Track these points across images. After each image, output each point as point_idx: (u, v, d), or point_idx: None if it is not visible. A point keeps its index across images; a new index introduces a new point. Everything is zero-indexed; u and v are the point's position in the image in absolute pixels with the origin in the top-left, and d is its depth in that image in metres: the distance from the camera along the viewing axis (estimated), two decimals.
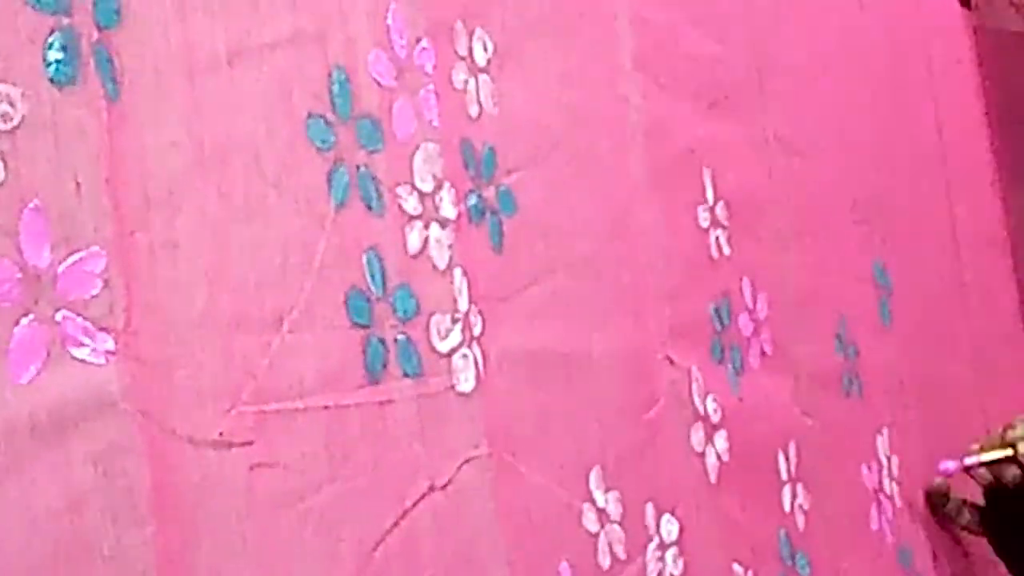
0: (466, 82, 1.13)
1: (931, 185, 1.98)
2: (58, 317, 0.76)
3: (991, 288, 2.12)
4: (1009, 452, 1.71)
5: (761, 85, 1.56)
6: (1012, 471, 1.69)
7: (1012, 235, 2.18)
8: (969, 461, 1.75)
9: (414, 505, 0.99)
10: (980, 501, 1.78)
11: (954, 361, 1.97)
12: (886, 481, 1.72)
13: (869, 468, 1.68)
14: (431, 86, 1.08)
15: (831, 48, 1.77)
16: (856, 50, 1.83)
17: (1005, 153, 2.18)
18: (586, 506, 1.17)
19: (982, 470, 1.73)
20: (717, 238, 1.44)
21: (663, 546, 1.25)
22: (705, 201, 1.43)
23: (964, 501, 1.81)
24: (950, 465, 1.76)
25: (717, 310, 1.42)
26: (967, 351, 2.00)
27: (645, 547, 1.23)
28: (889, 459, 1.73)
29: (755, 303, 1.49)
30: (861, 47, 1.84)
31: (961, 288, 2.03)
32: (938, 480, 1.79)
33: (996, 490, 1.74)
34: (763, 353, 1.49)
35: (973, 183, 2.10)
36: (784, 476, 1.47)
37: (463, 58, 1.13)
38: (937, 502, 1.80)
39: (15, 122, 0.75)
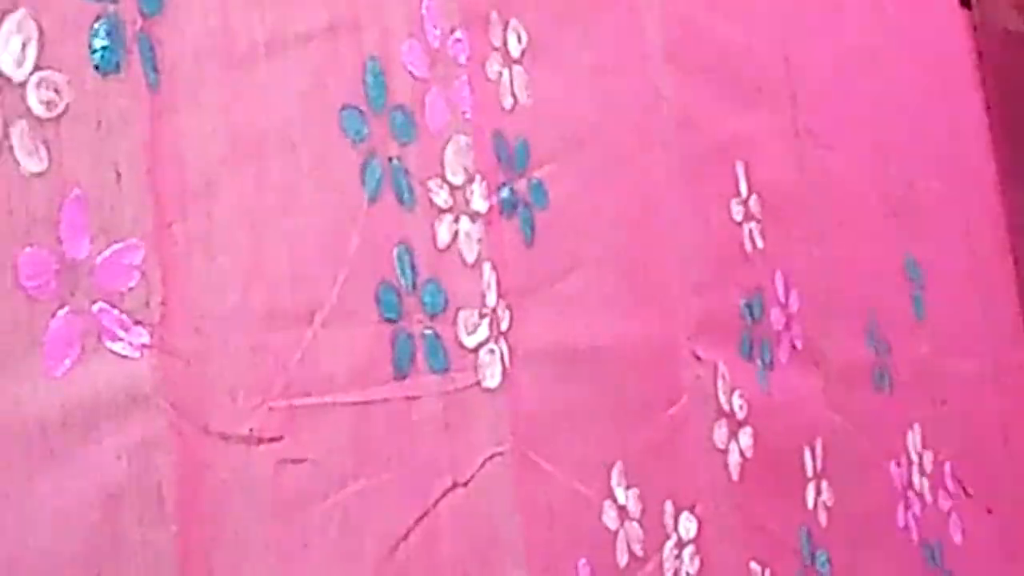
0: (500, 73, 1.13)
1: (949, 182, 1.97)
2: (95, 309, 0.77)
3: (996, 285, 2.11)
4: None
5: (790, 77, 1.56)
6: None
7: (1012, 233, 2.17)
8: None
9: (436, 502, 1.00)
10: None
11: (978, 358, 1.96)
12: (916, 477, 1.71)
13: (898, 464, 1.68)
14: (464, 77, 1.08)
15: (857, 43, 1.76)
16: (878, 47, 1.82)
17: (1005, 152, 2.17)
18: (607, 503, 1.17)
19: None
20: (751, 231, 1.44)
21: (680, 544, 1.25)
22: (739, 194, 1.44)
23: None
24: None
25: (749, 304, 1.42)
26: (986, 348, 1.99)
27: (662, 545, 1.23)
28: (920, 455, 1.73)
29: (787, 297, 1.49)
30: (882, 44, 1.83)
31: (977, 285, 2.02)
32: None
33: None
34: (793, 348, 1.49)
35: (976, 181, 2.09)
36: (809, 473, 1.47)
37: (497, 49, 1.14)
38: None
39: (60, 109, 0.76)
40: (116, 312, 0.78)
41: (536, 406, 1.11)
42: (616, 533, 1.18)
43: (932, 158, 1.92)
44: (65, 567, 0.73)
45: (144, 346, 0.79)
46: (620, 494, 1.19)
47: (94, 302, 0.77)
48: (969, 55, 2.16)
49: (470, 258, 1.06)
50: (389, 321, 0.98)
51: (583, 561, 1.13)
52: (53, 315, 0.75)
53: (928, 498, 1.73)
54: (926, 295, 1.81)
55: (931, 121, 1.96)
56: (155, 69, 0.83)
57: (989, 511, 1.88)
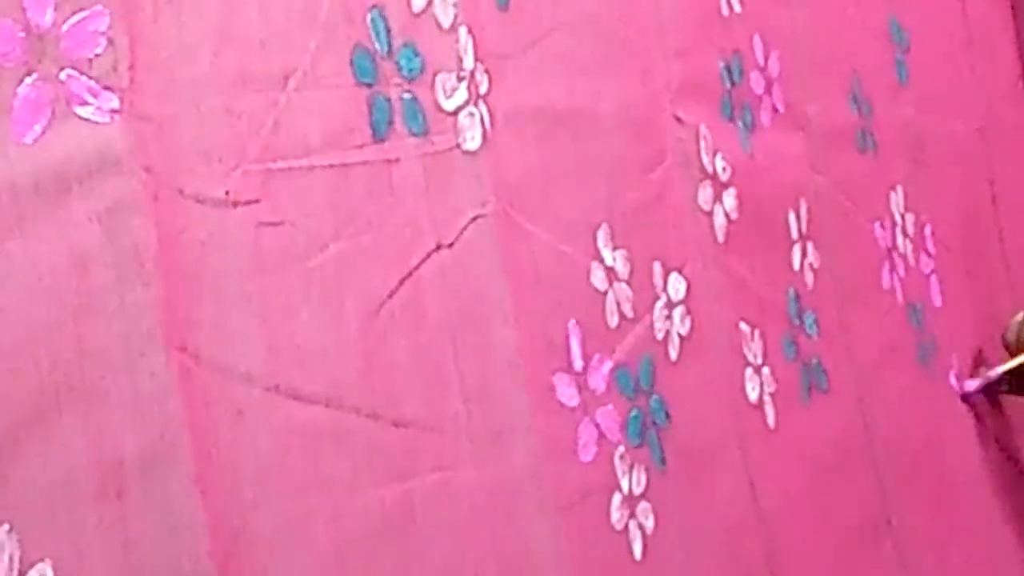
0: None
1: None
2: (62, 76, 0.76)
3: (994, 46, 2.09)
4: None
5: None
6: None
7: None
8: (992, 374, 1.78)
9: (420, 263, 1.00)
10: None
11: (963, 120, 1.95)
12: (899, 239, 1.72)
13: (882, 225, 1.68)
14: None
15: None
16: None
17: None
18: (594, 264, 1.17)
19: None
20: None
21: (670, 304, 1.26)
22: None
23: None
24: (971, 385, 1.79)
25: (727, 67, 1.40)
26: (975, 111, 1.99)
27: (652, 305, 1.24)
28: (903, 216, 1.73)
29: (766, 61, 1.48)
30: None
31: (968, 47, 2.01)
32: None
33: None
34: (775, 111, 1.48)
35: None
36: (795, 234, 1.48)
37: None
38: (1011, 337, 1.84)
39: None
40: (84, 78, 0.77)
41: (518, 168, 1.10)
42: (605, 294, 1.18)
43: None
44: (42, 330, 0.73)
45: (114, 111, 0.78)
46: (607, 255, 1.19)
47: (61, 69, 0.76)
48: None
49: (445, 22, 1.04)
50: (365, 85, 0.96)
51: (573, 321, 1.13)
52: (20, 82, 0.74)
53: (911, 260, 1.74)
54: (909, 58, 1.79)
55: None
56: None
57: (966, 270, 1.89)
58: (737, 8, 1.43)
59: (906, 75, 1.78)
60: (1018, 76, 2.15)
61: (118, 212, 0.77)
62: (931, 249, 1.80)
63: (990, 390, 1.83)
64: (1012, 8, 2.14)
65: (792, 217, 1.48)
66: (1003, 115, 2.06)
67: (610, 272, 1.19)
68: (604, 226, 1.19)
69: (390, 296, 0.97)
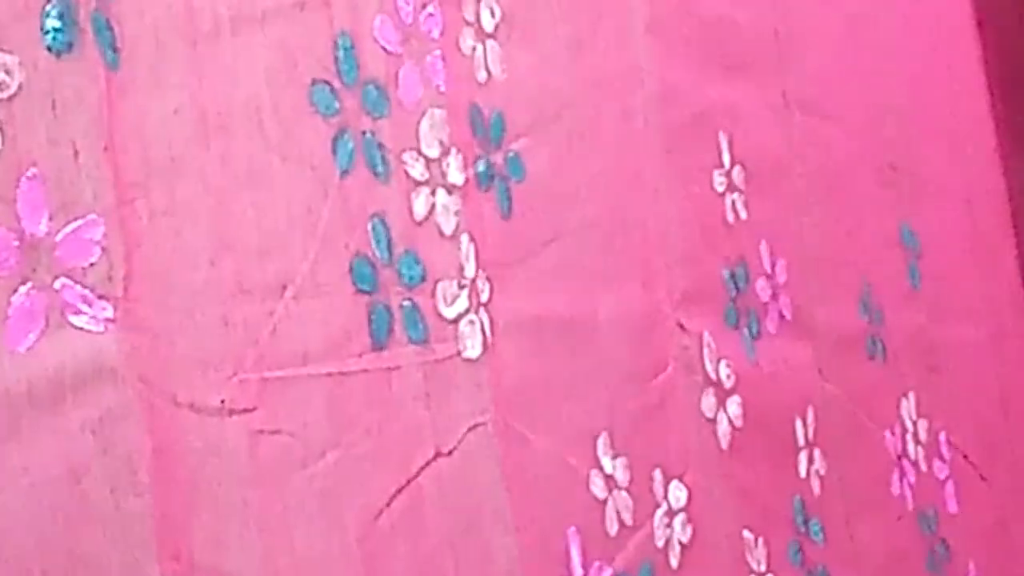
0: (474, 48, 1.12)
1: (948, 149, 1.96)
2: (56, 285, 0.76)
3: (997, 253, 2.10)
4: None
5: (779, 48, 1.55)
6: None
7: (1013, 201, 2.15)
8: None
9: (419, 472, 0.99)
10: None
11: (975, 326, 1.95)
12: (910, 445, 1.70)
13: (892, 432, 1.67)
14: (438, 52, 1.08)
15: (852, 11, 1.75)
16: (875, 14, 1.81)
17: (1006, 119, 2.16)
18: (593, 472, 1.17)
19: None
20: (733, 202, 1.43)
21: (671, 512, 1.25)
22: (721, 165, 1.43)
23: None
24: None
25: (732, 275, 1.41)
26: (985, 317, 1.98)
27: (653, 513, 1.23)
28: (915, 423, 1.72)
29: (773, 268, 1.49)
30: (879, 11, 1.82)
31: (976, 253, 2.01)
32: None
33: None
34: (782, 318, 1.48)
35: (976, 149, 2.08)
36: (801, 441, 1.47)
37: (470, 24, 1.13)
38: None
39: (12, 90, 0.76)
40: (78, 287, 0.77)
41: (519, 376, 1.10)
42: (605, 502, 1.17)
43: (930, 126, 1.90)
44: (37, 540, 0.73)
45: (108, 320, 0.78)
46: (607, 463, 1.18)
47: (56, 278, 0.76)
48: (968, 20, 2.15)
49: (448, 230, 1.05)
50: (364, 292, 0.97)
51: (573, 529, 1.12)
52: (15, 291, 0.74)
53: (923, 467, 1.73)
54: (922, 264, 1.80)
55: (930, 89, 1.95)
56: (114, 48, 0.82)
57: (983, 478, 1.87)
58: (743, 215, 1.44)
59: (919, 281, 1.78)
60: (1020, 283, 2.15)
61: (112, 422, 0.77)
62: (946, 455, 1.79)
63: None
64: (1012, 216, 2.15)
65: (799, 424, 1.47)
66: (1008, 323, 2.06)
67: (609, 480, 1.18)
68: (604, 434, 1.18)
69: (388, 504, 0.96)
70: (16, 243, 0.74)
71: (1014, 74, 2.17)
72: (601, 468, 1.17)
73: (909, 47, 1.91)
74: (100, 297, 0.78)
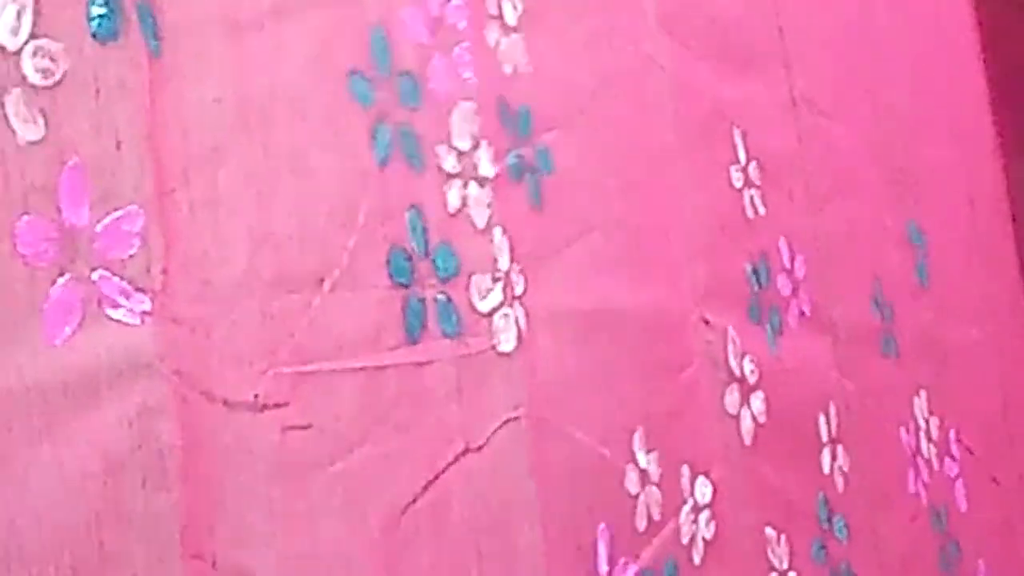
0: (498, 41, 1.12)
1: (949, 149, 1.96)
2: (95, 277, 0.75)
3: (998, 253, 2.10)
4: None
5: (784, 46, 1.54)
6: None
7: (1013, 201, 2.15)
8: None
9: (447, 467, 0.98)
10: None
11: (978, 326, 1.95)
12: (924, 443, 1.70)
13: (907, 430, 1.67)
14: (466, 43, 1.07)
15: (852, 13, 1.75)
16: (877, 14, 1.80)
17: (1006, 119, 2.16)
18: (629, 467, 1.16)
19: None
20: (752, 198, 1.43)
21: (697, 508, 1.24)
22: (737, 161, 1.42)
23: None
24: None
25: (755, 270, 1.40)
26: (987, 316, 1.98)
27: (679, 509, 1.22)
28: (927, 421, 1.72)
29: (792, 263, 1.48)
30: (881, 11, 1.82)
31: (979, 252, 2.01)
32: None
33: None
34: (802, 314, 1.48)
35: (977, 149, 2.08)
36: (824, 438, 1.46)
37: (495, 17, 1.12)
38: None
39: (56, 78, 0.75)
40: (116, 279, 0.76)
41: (553, 371, 1.09)
42: (637, 497, 1.16)
43: (931, 126, 1.90)
44: (67, 534, 0.72)
45: (145, 313, 0.77)
46: (642, 458, 1.17)
47: (94, 269, 0.75)
48: (970, 23, 2.15)
49: (480, 223, 1.04)
50: (400, 286, 0.96)
51: (603, 526, 1.11)
52: (53, 282, 0.73)
53: (935, 464, 1.72)
54: (929, 261, 1.79)
55: (930, 89, 1.95)
56: (156, 36, 0.81)
57: (995, 480, 1.87)
58: (761, 210, 1.44)
59: (927, 278, 1.78)
60: (1020, 283, 2.15)
61: (147, 416, 0.77)
62: (956, 453, 1.78)
63: None
64: (1012, 216, 2.15)
65: (822, 420, 1.46)
66: (1008, 322, 2.06)
67: (643, 475, 1.17)
68: (640, 428, 1.18)
69: (414, 500, 0.95)
70: (56, 233, 0.74)
71: (1014, 74, 2.17)
72: (637, 463, 1.17)
73: (909, 47, 1.91)
74: (138, 290, 0.77)
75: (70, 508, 0.73)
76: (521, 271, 1.08)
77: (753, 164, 1.44)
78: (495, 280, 1.05)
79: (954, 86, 2.03)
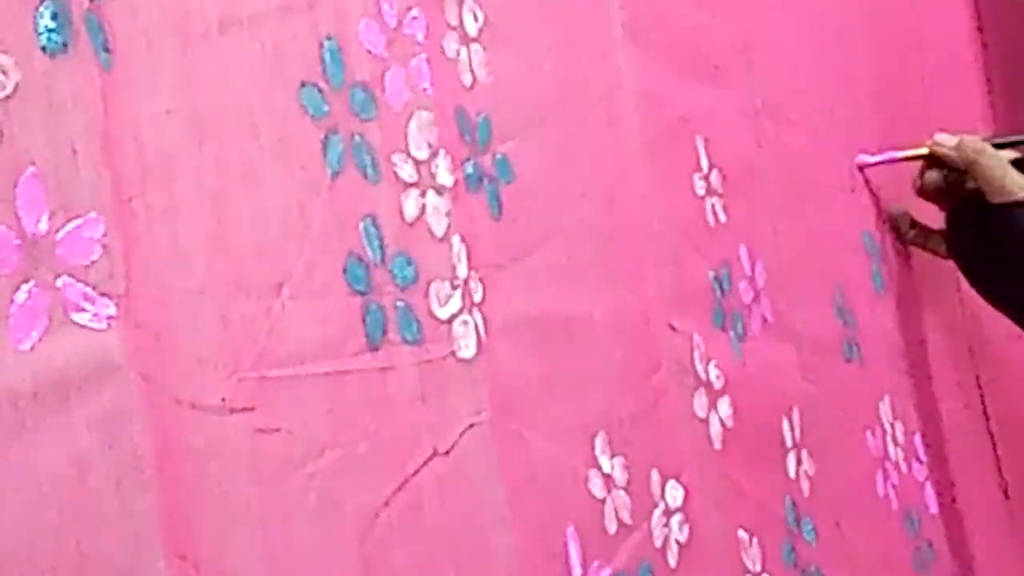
0: (458, 51, 1.12)
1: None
2: (59, 283, 0.75)
3: None
4: (925, 151, 1.69)
5: (748, 56, 1.56)
6: (935, 175, 1.68)
7: None
8: (886, 156, 1.75)
9: (417, 471, 0.99)
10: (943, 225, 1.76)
11: (946, 329, 1.96)
12: (891, 447, 1.71)
13: (873, 434, 1.68)
14: (423, 55, 1.07)
15: (817, 21, 1.76)
16: (843, 23, 1.82)
17: (1006, 119, 2.17)
18: (592, 472, 1.16)
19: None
20: (713, 205, 1.44)
21: (668, 512, 1.25)
22: (700, 169, 1.43)
23: (928, 227, 1.79)
24: (868, 158, 1.76)
25: (717, 277, 1.41)
26: (959, 320, 1.99)
27: (651, 513, 1.22)
28: (893, 425, 1.73)
29: (753, 270, 1.49)
30: (848, 21, 1.83)
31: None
32: (901, 207, 1.79)
33: (957, 210, 1.71)
34: (764, 320, 1.49)
35: None
36: (789, 442, 1.47)
37: (454, 28, 1.12)
38: (902, 228, 1.80)
39: (8, 90, 0.75)
40: (80, 285, 0.77)
41: (514, 376, 1.10)
42: (603, 501, 1.17)
43: (931, 125, 1.90)
44: (42, 536, 0.72)
45: (111, 318, 0.78)
46: (605, 463, 1.18)
47: (58, 276, 0.75)
48: (969, 22, 2.16)
49: (439, 231, 1.05)
50: (359, 293, 0.97)
51: (571, 528, 1.12)
52: (17, 289, 0.73)
53: (903, 468, 1.74)
54: (884, 269, 1.80)
55: (930, 89, 1.96)
56: (107, 49, 0.81)
57: (959, 484, 1.88)
58: (722, 218, 1.45)
59: (882, 285, 1.79)
60: None
61: (116, 419, 0.77)
62: (923, 457, 1.79)
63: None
64: None
65: (786, 425, 1.47)
66: (990, 326, 2.07)
67: (608, 479, 1.18)
68: (602, 433, 1.18)
69: (387, 503, 0.96)
70: (17, 242, 0.74)
71: (1014, 74, 2.18)
72: (599, 467, 1.17)
73: (909, 47, 1.93)
74: (102, 295, 0.77)
75: (44, 511, 0.73)
76: (480, 278, 1.08)
77: (715, 172, 1.45)
78: (454, 287, 1.05)
79: (953, 86, 2.04)
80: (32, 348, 0.73)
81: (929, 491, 1.79)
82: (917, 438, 1.79)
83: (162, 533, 0.78)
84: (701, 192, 1.43)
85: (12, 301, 0.73)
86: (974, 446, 1.96)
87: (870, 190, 1.79)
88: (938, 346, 1.92)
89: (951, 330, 1.97)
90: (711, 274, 1.41)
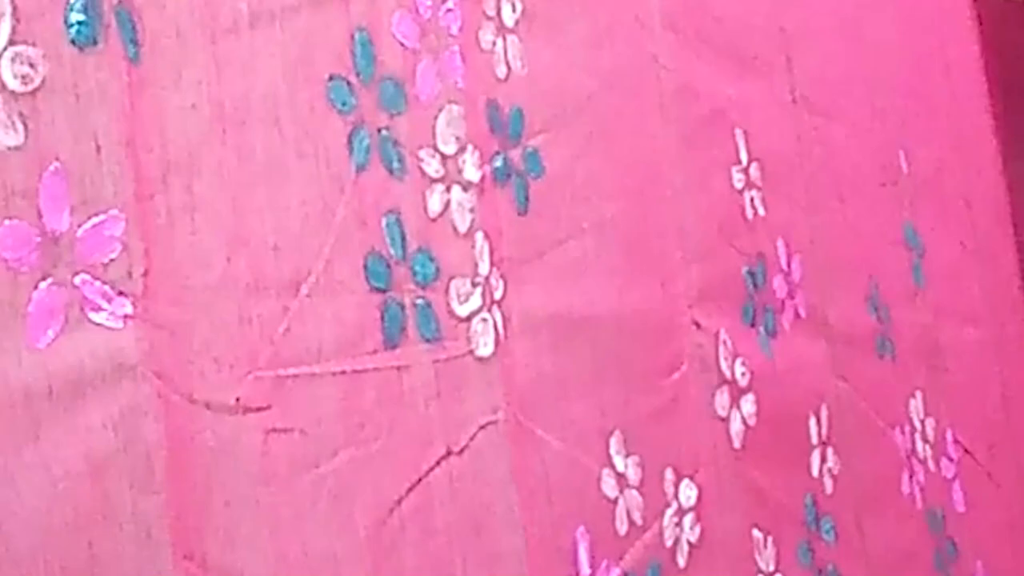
0: (494, 43, 1.12)
1: (948, 149, 1.96)
2: (77, 281, 0.76)
3: (997, 255, 2.09)
4: None
5: (786, 47, 1.55)
6: None
7: (1013, 204, 2.15)
8: None
9: (430, 470, 0.99)
10: None
11: (976, 326, 1.95)
12: (919, 444, 1.71)
13: (902, 431, 1.67)
14: (456, 47, 1.07)
15: (852, 15, 1.75)
16: (874, 15, 1.80)
17: (1007, 125, 2.15)
18: (605, 471, 1.17)
19: None
20: (752, 199, 1.43)
21: (680, 512, 1.25)
22: (739, 162, 1.43)
23: None
24: None
25: (751, 272, 1.41)
26: (986, 318, 1.98)
27: (662, 513, 1.23)
28: (923, 422, 1.72)
29: (789, 265, 1.49)
30: (879, 11, 1.82)
31: (976, 254, 2.01)
32: None
33: None
34: (797, 315, 1.48)
35: (976, 151, 2.08)
36: (814, 440, 1.47)
37: (491, 18, 1.12)
38: None
39: (36, 84, 0.75)
40: (98, 283, 0.77)
41: (531, 375, 1.10)
42: (616, 501, 1.17)
43: (931, 126, 1.90)
44: (55, 536, 0.73)
45: (127, 316, 0.78)
46: (619, 462, 1.18)
47: (76, 274, 0.76)
48: (971, 25, 2.14)
49: (462, 227, 1.05)
50: (378, 290, 0.97)
51: (582, 529, 1.12)
52: (35, 287, 0.74)
53: (931, 466, 1.73)
54: (925, 263, 1.79)
55: (930, 89, 1.95)
56: (135, 42, 0.82)
57: (993, 481, 1.87)
58: (761, 211, 1.44)
59: (923, 279, 1.78)
60: (1020, 283, 2.15)
61: (131, 418, 0.77)
62: (953, 454, 1.79)
63: None
64: (1012, 216, 2.14)
65: (813, 422, 1.47)
66: (1009, 324, 2.05)
67: (621, 479, 1.18)
68: (617, 432, 1.18)
69: (399, 503, 0.96)
70: (38, 238, 0.74)
71: (1014, 75, 2.16)
72: (613, 467, 1.17)
73: (909, 47, 1.91)
74: (120, 294, 0.78)
75: (58, 510, 0.73)
76: (501, 275, 1.08)
77: (754, 165, 1.45)
78: (474, 285, 1.05)
79: (953, 86, 2.02)
80: (48, 346, 0.74)
81: (957, 489, 1.78)
82: (949, 434, 1.78)
83: (172, 534, 0.78)
84: (739, 185, 1.42)
85: (30, 299, 0.74)
86: (1006, 444, 1.95)
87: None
88: (983, 345, 1.91)
89: (980, 327, 1.97)
90: (745, 269, 1.40)
